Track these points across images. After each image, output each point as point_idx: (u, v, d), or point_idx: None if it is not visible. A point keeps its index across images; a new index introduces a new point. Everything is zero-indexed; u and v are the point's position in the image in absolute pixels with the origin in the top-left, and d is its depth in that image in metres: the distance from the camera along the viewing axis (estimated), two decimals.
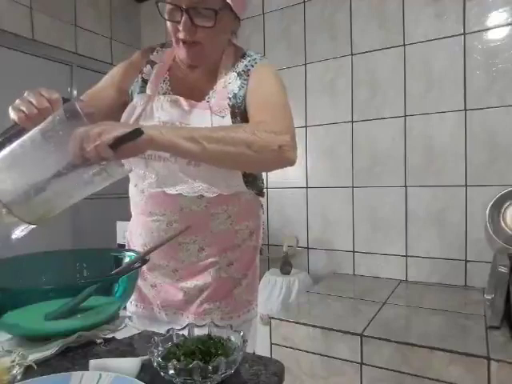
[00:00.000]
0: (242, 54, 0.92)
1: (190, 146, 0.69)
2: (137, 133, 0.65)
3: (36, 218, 0.66)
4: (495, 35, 1.89)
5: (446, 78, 2.00)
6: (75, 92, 2.52)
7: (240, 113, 0.86)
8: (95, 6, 2.75)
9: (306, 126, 2.39)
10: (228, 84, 0.88)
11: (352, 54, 2.25)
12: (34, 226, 0.67)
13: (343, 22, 2.27)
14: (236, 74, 0.88)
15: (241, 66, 0.89)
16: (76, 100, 0.69)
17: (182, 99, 0.87)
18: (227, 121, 0.84)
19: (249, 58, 0.90)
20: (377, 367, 1.44)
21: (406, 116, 2.12)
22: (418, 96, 2.08)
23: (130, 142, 0.64)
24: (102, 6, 2.80)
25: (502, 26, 1.87)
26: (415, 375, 1.37)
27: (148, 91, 0.90)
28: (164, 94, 0.90)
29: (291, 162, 0.78)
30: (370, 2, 2.18)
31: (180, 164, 0.84)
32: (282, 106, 0.82)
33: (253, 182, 0.96)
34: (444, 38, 2.00)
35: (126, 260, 0.83)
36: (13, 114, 0.70)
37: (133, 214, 1.00)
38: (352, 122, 2.27)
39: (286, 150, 0.74)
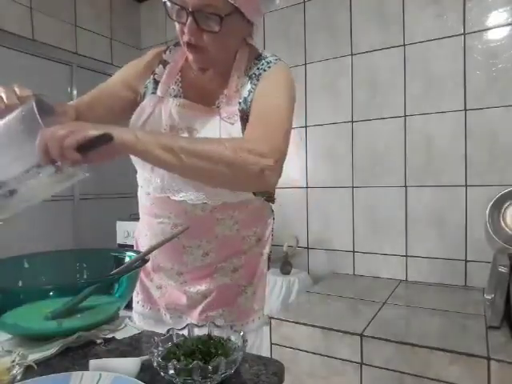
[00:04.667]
0: (256, 56, 0.88)
1: (166, 157, 0.64)
2: (105, 138, 0.60)
3: None
4: (495, 35, 1.89)
5: (445, 78, 2.00)
6: (75, 92, 2.52)
7: (247, 118, 0.80)
8: (95, 5, 2.75)
9: (305, 126, 2.39)
10: (240, 88, 0.84)
11: (352, 54, 2.25)
12: None
13: (343, 21, 2.27)
14: (248, 78, 0.84)
15: (253, 68, 0.85)
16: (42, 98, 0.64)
17: (191, 104, 0.85)
18: (237, 128, 0.80)
19: (263, 61, 0.85)
20: (377, 367, 1.44)
21: (405, 116, 2.12)
22: (418, 96, 2.08)
23: (99, 147, 0.60)
24: (102, 6, 2.80)
25: (502, 25, 1.87)
26: (415, 375, 1.37)
27: (158, 92, 0.87)
28: (175, 96, 0.87)
29: (270, 187, 0.76)
30: (370, 2, 2.18)
31: None
32: (279, 123, 0.77)
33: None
34: (444, 38, 2.00)
35: (126, 260, 0.83)
36: None
37: (140, 214, 0.99)
38: (352, 122, 2.27)
39: (266, 174, 0.70)
